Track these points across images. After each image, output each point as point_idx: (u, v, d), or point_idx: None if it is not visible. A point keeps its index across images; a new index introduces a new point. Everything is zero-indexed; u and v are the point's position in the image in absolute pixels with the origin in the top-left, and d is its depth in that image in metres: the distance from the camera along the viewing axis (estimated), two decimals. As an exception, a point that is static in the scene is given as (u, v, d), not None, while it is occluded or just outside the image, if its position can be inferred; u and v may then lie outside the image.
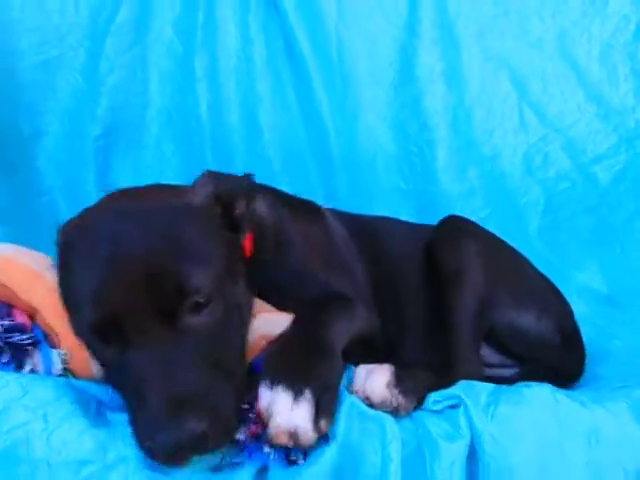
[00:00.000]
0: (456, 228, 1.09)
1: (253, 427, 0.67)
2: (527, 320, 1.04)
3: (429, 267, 1.07)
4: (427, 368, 0.87)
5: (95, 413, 0.71)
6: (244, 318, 0.77)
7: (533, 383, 0.77)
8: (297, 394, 0.65)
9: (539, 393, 0.74)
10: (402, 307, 1.06)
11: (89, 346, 0.72)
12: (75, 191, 1.34)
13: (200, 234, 0.74)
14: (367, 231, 1.10)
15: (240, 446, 0.67)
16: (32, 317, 0.78)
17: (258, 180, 1.36)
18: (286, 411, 0.64)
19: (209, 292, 0.69)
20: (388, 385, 0.75)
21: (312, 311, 0.80)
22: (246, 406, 0.68)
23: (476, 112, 1.52)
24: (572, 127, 1.55)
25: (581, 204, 1.52)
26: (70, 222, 0.78)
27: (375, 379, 0.76)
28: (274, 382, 0.66)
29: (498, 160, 1.52)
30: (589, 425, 0.70)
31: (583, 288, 1.43)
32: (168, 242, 0.70)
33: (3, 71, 1.33)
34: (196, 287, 0.68)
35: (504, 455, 0.69)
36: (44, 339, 0.77)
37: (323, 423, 0.65)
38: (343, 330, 0.79)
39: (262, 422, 0.66)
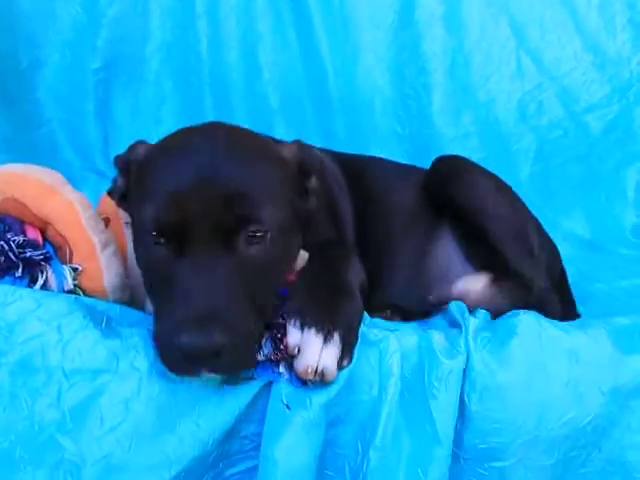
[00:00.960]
0: (464, 166, 1.10)
1: (273, 353, 0.72)
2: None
3: (429, 204, 1.09)
4: None
5: (106, 326, 0.74)
6: (287, 267, 0.81)
7: (521, 311, 0.81)
8: (327, 338, 0.71)
9: (526, 320, 0.79)
10: (389, 244, 1.08)
11: (142, 241, 0.75)
12: (74, 123, 1.35)
13: (279, 180, 0.79)
14: (356, 169, 1.11)
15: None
16: (43, 231, 0.80)
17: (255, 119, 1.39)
18: (316, 352, 0.70)
19: (268, 228, 0.74)
20: None
21: (328, 253, 0.85)
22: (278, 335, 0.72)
23: (474, 57, 1.54)
24: (567, 75, 1.56)
25: (571, 152, 1.55)
26: (145, 145, 0.82)
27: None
28: (304, 324, 0.71)
29: (493, 106, 1.54)
30: (570, 347, 0.75)
31: (568, 233, 1.47)
32: (249, 174, 0.75)
33: (2, 2, 1.32)
34: (259, 219, 0.74)
35: (492, 375, 0.74)
36: (55, 255, 0.79)
37: (345, 362, 0.71)
38: (357, 273, 0.84)
39: (284, 353, 0.71)
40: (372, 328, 0.77)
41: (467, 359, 0.74)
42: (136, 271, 0.80)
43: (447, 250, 1.08)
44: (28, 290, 0.74)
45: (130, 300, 0.86)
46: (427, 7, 1.51)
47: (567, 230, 1.48)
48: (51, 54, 1.38)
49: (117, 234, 0.89)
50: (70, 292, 0.78)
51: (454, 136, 1.50)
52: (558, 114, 1.56)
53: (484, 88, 1.54)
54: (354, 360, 0.72)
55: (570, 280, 1.17)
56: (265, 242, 0.74)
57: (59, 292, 0.77)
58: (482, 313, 0.83)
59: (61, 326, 0.71)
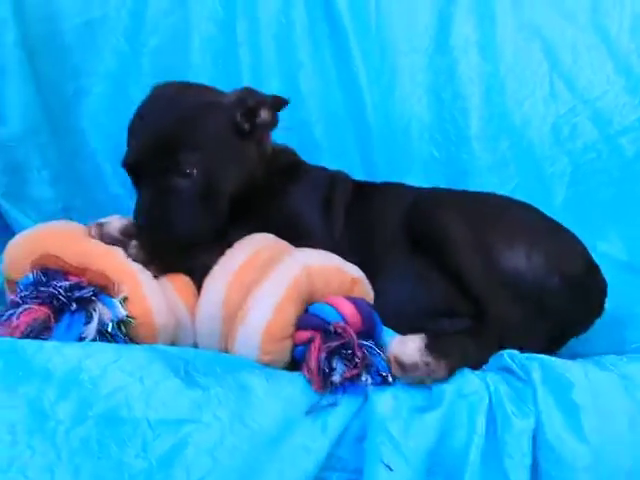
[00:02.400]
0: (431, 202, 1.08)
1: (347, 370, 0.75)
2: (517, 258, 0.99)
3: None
4: (462, 331, 0.91)
5: (185, 375, 0.76)
6: (220, 204, 1.00)
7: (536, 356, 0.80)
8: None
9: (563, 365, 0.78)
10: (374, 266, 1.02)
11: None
12: (119, 154, 1.36)
13: (210, 124, 0.99)
14: (368, 190, 1.18)
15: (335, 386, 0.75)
16: (81, 277, 0.83)
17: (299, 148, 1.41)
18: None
19: (193, 168, 0.95)
20: (420, 349, 0.79)
21: None
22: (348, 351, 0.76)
23: (508, 81, 1.55)
24: (600, 99, 1.57)
25: (606, 174, 1.56)
26: None
27: (408, 344, 0.80)
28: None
29: (528, 130, 1.55)
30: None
31: (605, 256, 1.47)
32: (181, 124, 0.97)
33: (47, 33, 1.34)
34: (185, 160, 0.95)
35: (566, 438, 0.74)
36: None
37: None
38: None
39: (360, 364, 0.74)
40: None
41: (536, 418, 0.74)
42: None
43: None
44: (105, 344, 0.77)
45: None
46: (462, 32, 1.53)
47: (603, 253, 1.48)
48: (95, 84, 1.40)
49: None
50: (122, 321, 0.81)
51: (491, 161, 1.51)
52: (592, 137, 1.57)
53: (519, 112, 1.55)
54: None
55: (610, 304, 1.12)
56: (193, 176, 0.96)
57: (114, 321, 0.80)
58: (538, 359, 0.81)
59: (143, 377, 0.73)
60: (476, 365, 0.82)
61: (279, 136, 1.19)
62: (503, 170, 1.51)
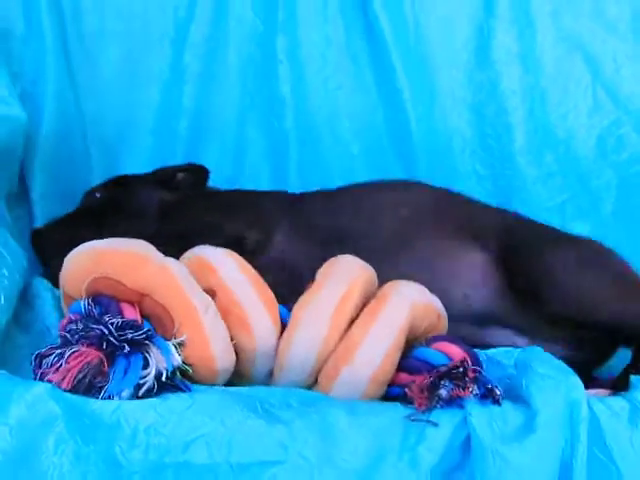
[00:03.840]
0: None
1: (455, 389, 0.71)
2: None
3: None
4: None
5: (264, 412, 0.72)
6: None
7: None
8: None
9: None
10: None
11: None
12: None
13: None
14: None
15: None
16: (139, 304, 0.77)
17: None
18: None
19: None
20: None
21: None
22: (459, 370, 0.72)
23: (551, 94, 1.51)
24: (644, 109, 1.54)
25: (652, 187, 1.53)
26: None
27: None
28: None
29: (572, 143, 1.51)
30: None
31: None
32: None
33: (85, 70, 1.33)
34: None
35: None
36: (155, 330, 0.76)
37: None
38: None
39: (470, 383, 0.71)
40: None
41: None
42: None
43: None
44: (176, 394, 0.72)
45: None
46: (503, 45, 1.50)
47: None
48: (137, 115, 1.39)
49: (223, 309, 0.82)
50: (179, 368, 0.74)
51: (537, 175, 1.47)
52: (637, 149, 1.53)
53: (563, 125, 1.51)
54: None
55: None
56: None
57: (169, 369, 0.73)
58: None
59: (224, 419, 0.69)
60: None
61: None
62: (549, 184, 1.47)
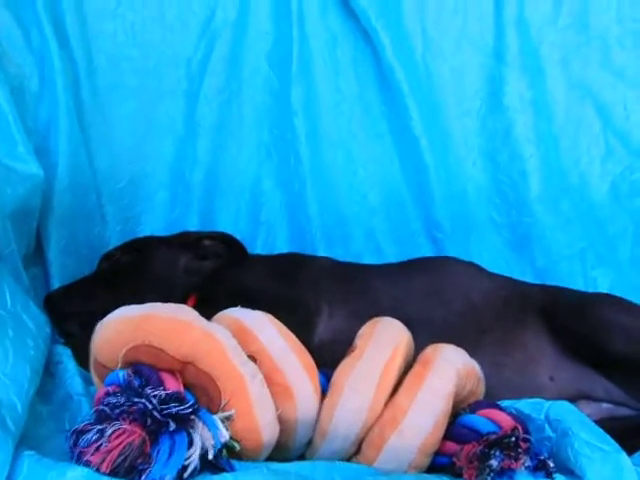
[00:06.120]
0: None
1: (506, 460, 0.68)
2: None
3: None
4: None
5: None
6: None
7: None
8: None
9: None
10: None
11: None
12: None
13: None
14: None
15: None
16: (181, 373, 0.72)
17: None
18: None
19: None
20: None
21: None
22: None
23: (563, 141, 1.52)
24: (655, 156, 1.54)
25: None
26: None
27: None
28: None
29: (587, 190, 1.51)
30: None
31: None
32: None
33: (98, 121, 1.31)
34: None
35: None
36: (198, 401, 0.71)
37: None
38: None
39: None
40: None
41: None
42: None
43: None
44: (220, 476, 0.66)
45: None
46: (515, 92, 1.50)
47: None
48: (152, 169, 1.37)
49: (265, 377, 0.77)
50: (226, 445, 0.69)
51: (554, 223, 1.46)
52: (652, 195, 1.53)
53: (576, 171, 1.51)
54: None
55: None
56: None
57: (216, 447, 0.67)
58: None
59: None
60: None
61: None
62: (568, 232, 1.46)
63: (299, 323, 0.88)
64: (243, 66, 1.41)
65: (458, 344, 0.86)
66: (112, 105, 1.33)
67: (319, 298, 1.04)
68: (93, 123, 1.31)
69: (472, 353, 0.86)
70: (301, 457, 0.82)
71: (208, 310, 0.77)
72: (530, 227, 1.45)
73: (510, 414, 0.77)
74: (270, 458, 0.76)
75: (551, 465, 0.69)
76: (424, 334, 0.90)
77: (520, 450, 0.69)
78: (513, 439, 0.70)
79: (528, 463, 0.69)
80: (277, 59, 1.41)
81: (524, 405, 0.86)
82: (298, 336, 0.81)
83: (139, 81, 1.35)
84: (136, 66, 1.34)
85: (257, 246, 1.40)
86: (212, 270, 1.15)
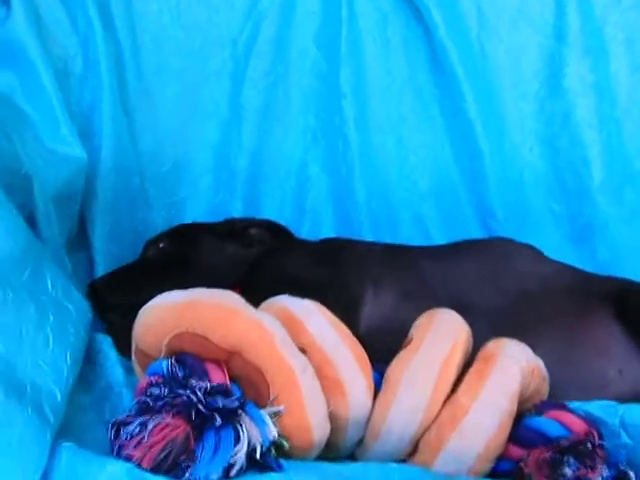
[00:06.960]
0: None
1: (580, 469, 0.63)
2: None
3: None
4: None
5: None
6: None
7: None
8: None
9: None
10: None
11: None
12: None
13: None
14: None
15: None
16: (227, 363, 0.68)
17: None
18: None
19: None
20: None
21: None
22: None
23: (627, 125, 1.42)
24: None
25: None
26: None
27: None
28: None
29: (652, 177, 1.42)
30: None
31: None
32: None
33: (144, 104, 1.28)
34: None
35: None
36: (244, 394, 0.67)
37: None
38: None
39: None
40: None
41: None
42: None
43: None
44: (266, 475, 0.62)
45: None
46: (576, 74, 1.41)
47: None
48: (195, 153, 1.33)
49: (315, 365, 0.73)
50: (274, 443, 0.64)
51: (617, 214, 1.37)
52: None
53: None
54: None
55: None
56: None
57: (264, 444, 0.63)
58: None
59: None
60: None
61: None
62: (632, 224, 1.37)
63: (344, 306, 0.84)
64: (290, 48, 1.36)
65: (517, 334, 0.80)
66: (156, 87, 1.30)
67: (363, 277, 0.98)
68: (137, 105, 1.28)
69: (533, 346, 0.80)
70: (350, 456, 0.78)
71: (252, 298, 0.73)
72: (591, 218, 1.37)
73: (580, 417, 0.71)
74: (317, 457, 0.72)
75: (632, 477, 0.63)
76: (479, 321, 0.84)
77: (597, 458, 0.63)
78: (589, 445, 0.64)
79: (606, 473, 0.63)
80: (325, 40, 1.36)
81: (595, 407, 0.79)
82: (344, 320, 0.77)
83: (184, 63, 1.31)
84: (181, 47, 1.31)
85: (302, 233, 1.35)
86: (255, 258, 1.11)
